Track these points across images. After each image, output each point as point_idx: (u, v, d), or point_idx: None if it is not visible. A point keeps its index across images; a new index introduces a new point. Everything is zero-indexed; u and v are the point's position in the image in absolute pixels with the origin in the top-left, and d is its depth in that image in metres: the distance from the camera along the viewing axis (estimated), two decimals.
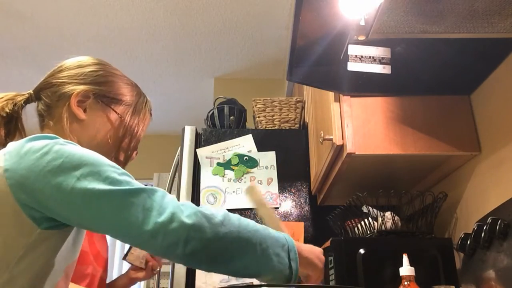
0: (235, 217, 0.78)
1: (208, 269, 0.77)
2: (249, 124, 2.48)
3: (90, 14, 2.82)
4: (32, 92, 0.98)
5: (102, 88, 0.97)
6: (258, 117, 2.32)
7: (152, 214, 0.71)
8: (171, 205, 0.73)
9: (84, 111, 0.95)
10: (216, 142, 2.19)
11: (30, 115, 0.98)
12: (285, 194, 2.09)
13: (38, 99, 0.97)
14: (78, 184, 0.72)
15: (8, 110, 0.92)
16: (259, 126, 2.31)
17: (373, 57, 1.30)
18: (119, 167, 0.79)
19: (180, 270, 1.96)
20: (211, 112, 2.40)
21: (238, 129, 2.30)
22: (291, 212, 2.06)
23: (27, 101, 0.97)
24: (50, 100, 0.95)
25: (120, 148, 0.99)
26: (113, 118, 0.98)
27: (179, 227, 0.70)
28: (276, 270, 0.79)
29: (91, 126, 0.95)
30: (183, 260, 0.74)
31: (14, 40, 2.99)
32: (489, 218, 1.23)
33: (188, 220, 0.71)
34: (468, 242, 1.30)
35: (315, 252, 0.90)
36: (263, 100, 2.33)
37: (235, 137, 2.20)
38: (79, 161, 0.75)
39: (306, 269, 0.88)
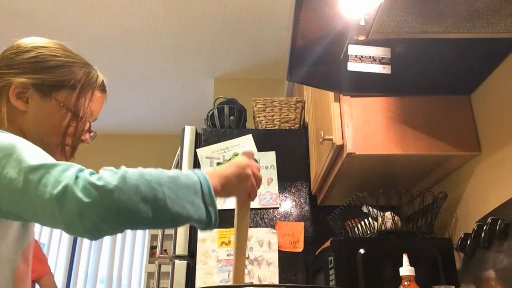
0: (134, 175, 0.71)
1: (122, 231, 0.73)
2: (249, 124, 2.48)
3: (90, 14, 2.82)
4: None
5: (41, 76, 0.93)
6: (258, 117, 2.32)
7: (46, 190, 0.68)
8: (67, 178, 0.69)
9: (27, 101, 0.92)
10: (216, 142, 2.19)
11: None
12: (285, 194, 2.09)
13: None
14: (3, 170, 0.71)
15: None
16: (259, 126, 2.31)
17: (373, 57, 1.30)
18: (39, 150, 0.77)
19: (180, 270, 1.96)
20: (211, 112, 2.40)
21: (238, 129, 2.30)
22: (291, 212, 2.06)
23: None
24: None
25: (67, 134, 0.95)
26: (56, 107, 0.94)
27: (72, 202, 0.67)
28: (194, 219, 0.77)
29: (34, 117, 0.92)
30: (91, 235, 0.70)
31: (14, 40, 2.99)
32: (489, 218, 1.23)
33: (81, 194, 0.67)
34: (468, 242, 1.30)
35: (238, 171, 0.88)
36: (263, 100, 2.33)
37: (235, 137, 2.20)
38: (1, 149, 0.74)
39: (231, 195, 0.87)
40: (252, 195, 0.95)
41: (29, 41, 0.99)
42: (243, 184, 0.90)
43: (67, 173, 0.70)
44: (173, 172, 0.77)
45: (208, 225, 0.80)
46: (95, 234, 0.70)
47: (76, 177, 0.69)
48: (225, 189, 0.86)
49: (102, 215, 0.67)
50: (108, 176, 0.70)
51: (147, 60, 3.31)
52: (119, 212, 0.68)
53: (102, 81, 1.04)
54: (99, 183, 0.68)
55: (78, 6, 2.75)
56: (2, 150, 0.74)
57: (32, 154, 0.74)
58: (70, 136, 0.96)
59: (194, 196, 0.77)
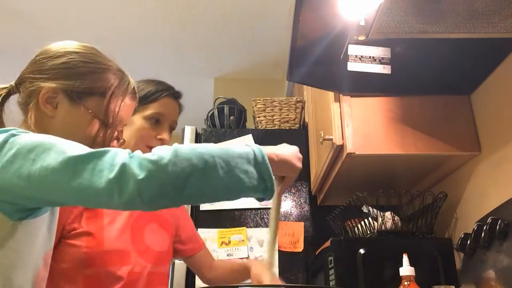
0: (187, 149, 0.74)
1: (179, 205, 0.76)
2: (249, 124, 2.48)
3: (90, 14, 2.82)
4: (13, 84, 0.94)
5: (71, 82, 0.93)
6: (258, 117, 2.32)
7: (103, 174, 0.70)
8: (121, 160, 0.71)
9: (56, 107, 0.91)
10: (216, 142, 2.18)
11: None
12: (285, 194, 2.09)
13: (19, 92, 0.94)
14: (34, 165, 0.73)
15: None
16: (259, 126, 2.31)
17: (373, 57, 1.30)
18: (77, 143, 0.78)
19: (180, 270, 1.96)
20: (211, 112, 2.40)
21: (238, 129, 2.30)
22: (291, 212, 2.06)
23: (8, 94, 0.94)
24: (24, 95, 0.93)
25: (96, 141, 0.95)
26: (85, 114, 0.93)
27: (130, 180, 0.69)
28: (249, 187, 0.77)
29: (61, 123, 0.92)
30: (149, 208, 0.73)
31: (14, 40, 2.99)
32: (489, 218, 1.23)
33: (137, 171, 0.69)
34: (468, 242, 1.30)
35: (290, 151, 0.90)
36: (263, 100, 2.33)
37: (235, 137, 2.20)
38: (32, 144, 0.75)
39: (282, 172, 0.87)
40: (293, 179, 0.96)
41: (60, 46, 0.99)
42: (296, 162, 0.90)
43: (120, 156, 0.72)
44: (224, 144, 0.78)
45: (264, 193, 0.80)
46: (154, 207, 0.72)
47: (131, 157, 0.72)
48: (280, 160, 0.86)
49: (159, 187, 0.70)
50: (161, 152, 0.72)
51: (147, 60, 3.31)
52: (175, 183, 0.70)
53: (133, 88, 1.04)
54: (153, 158, 0.71)
55: (78, 6, 2.75)
56: (41, 145, 0.75)
57: (74, 146, 0.76)
58: (99, 145, 0.95)
59: (247, 165, 0.77)
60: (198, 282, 1.91)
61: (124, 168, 0.70)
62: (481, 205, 1.42)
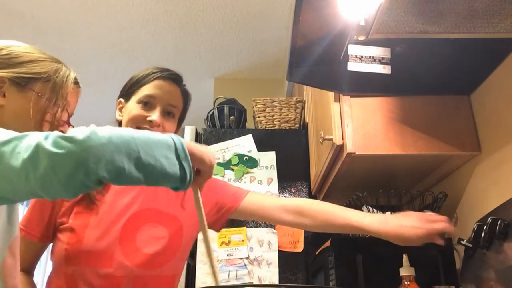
0: (105, 129, 0.72)
1: (97, 185, 0.72)
2: (249, 124, 2.48)
3: (90, 14, 2.82)
4: None
5: (16, 70, 0.96)
6: (258, 117, 2.32)
7: (20, 156, 0.68)
8: (36, 140, 0.69)
9: (4, 96, 0.94)
10: (216, 142, 2.19)
11: None
12: (285, 194, 2.09)
13: None
14: None
15: None
16: (259, 126, 2.31)
17: (373, 57, 1.30)
18: (10, 131, 0.77)
19: None
20: (211, 112, 2.40)
21: (238, 129, 2.30)
22: None
23: None
24: None
25: (44, 121, 0.97)
26: (32, 97, 0.96)
27: (43, 157, 0.67)
28: (168, 172, 0.76)
29: (12, 110, 0.94)
30: (67, 190, 0.69)
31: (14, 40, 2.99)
32: (489, 218, 1.23)
33: (51, 147, 0.67)
34: (483, 235, 1.24)
35: (205, 149, 0.88)
36: (263, 100, 2.33)
37: (235, 137, 2.20)
38: None
39: (199, 164, 0.85)
40: (209, 175, 0.92)
41: (1, 42, 1.02)
42: (211, 157, 0.89)
43: (37, 136, 0.70)
44: (145, 132, 0.78)
45: (182, 181, 0.79)
46: (72, 187, 0.69)
47: (46, 137, 0.69)
48: (197, 152, 0.84)
49: (76, 164, 0.67)
50: (79, 130, 0.70)
51: (147, 60, 3.31)
52: (93, 160, 0.68)
53: (75, 77, 1.07)
54: (70, 135, 0.69)
55: (78, 6, 2.75)
56: None
57: (3, 132, 0.74)
58: (48, 123, 0.97)
59: (167, 150, 0.77)
60: (198, 282, 1.91)
61: (38, 146, 0.68)
62: (481, 205, 1.42)
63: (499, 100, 1.37)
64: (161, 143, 0.77)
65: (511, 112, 1.31)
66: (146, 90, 1.25)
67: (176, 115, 1.31)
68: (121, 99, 1.30)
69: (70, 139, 0.68)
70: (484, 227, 1.23)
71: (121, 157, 0.70)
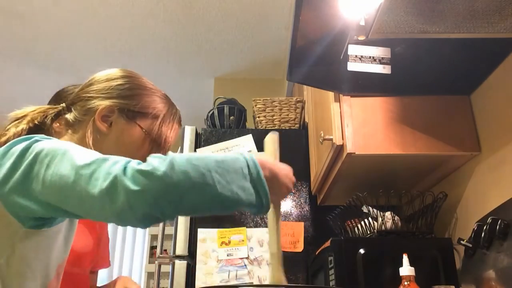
0: (182, 161, 0.71)
1: (174, 218, 0.75)
2: (249, 124, 2.48)
3: (90, 14, 2.82)
4: (64, 105, 0.99)
5: (127, 102, 0.98)
6: (258, 117, 2.32)
7: (98, 183, 0.69)
8: (116, 170, 0.69)
9: (110, 125, 0.96)
10: (216, 142, 2.19)
11: None
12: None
13: (70, 111, 0.99)
14: (48, 170, 0.73)
15: (37, 122, 0.94)
16: (259, 126, 2.31)
17: (373, 57, 1.30)
18: (92, 151, 0.78)
19: (180, 270, 1.96)
20: (211, 112, 2.40)
21: (238, 129, 2.30)
22: (291, 212, 2.06)
23: (59, 113, 0.99)
24: (78, 113, 0.97)
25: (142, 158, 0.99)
26: (138, 133, 0.98)
27: (121, 192, 0.67)
28: (245, 203, 0.75)
29: (114, 140, 0.96)
30: (142, 223, 0.70)
31: (14, 40, 2.99)
32: (489, 218, 1.23)
33: (130, 183, 0.67)
34: (483, 235, 1.25)
35: (285, 170, 0.87)
36: (263, 100, 2.33)
37: (235, 137, 2.20)
38: (49, 150, 0.76)
39: (274, 193, 0.84)
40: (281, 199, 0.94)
41: (115, 71, 1.03)
42: (287, 183, 0.88)
43: (117, 165, 0.70)
44: (220, 156, 0.76)
45: (260, 208, 0.78)
46: (147, 222, 0.70)
47: (125, 168, 0.69)
48: (272, 178, 0.82)
49: (152, 202, 0.68)
50: (156, 162, 0.70)
51: (147, 60, 3.31)
52: (169, 198, 0.68)
53: (179, 115, 1.09)
54: (147, 169, 0.68)
55: (78, 6, 2.75)
56: (56, 150, 0.75)
57: (85, 153, 0.76)
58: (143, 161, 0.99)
59: (243, 180, 0.75)
60: (198, 282, 1.91)
61: (116, 179, 0.68)
62: (481, 205, 1.42)
63: (499, 100, 1.37)
64: (237, 173, 0.75)
65: (511, 112, 1.31)
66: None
67: None
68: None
69: (148, 175, 0.68)
70: (484, 227, 1.23)
71: (197, 193, 0.70)
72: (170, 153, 0.73)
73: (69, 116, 0.97)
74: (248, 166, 0.77)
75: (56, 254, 0.85)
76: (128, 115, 0.97)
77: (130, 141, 0.97)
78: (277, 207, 0.95)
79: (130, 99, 0.98)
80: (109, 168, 0.70)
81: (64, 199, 0.73)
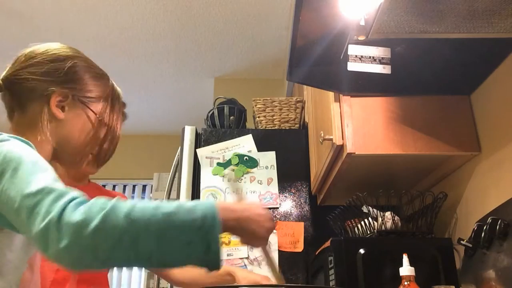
0: (121, 213, 0.67)
1: (103, 269, 0.74)
2: (249, 124, 2.48)
3: (90, 14, 2.82)
4: (0, 81, 0.93)
5: (79, 87, 0.95)
6: (258, 117, 2.32)
7: (36, 221, 0.67)
8: (54, 211, 0.67)
9: (62, 109, 0.93)
10: (216, 142, 2.19)
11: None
12: (285, 194, 2.09)
13: (8, 89, 0.93)
14: (4, 185, 0.72)
15: None
16: (259, 126, 2.31)
17: (373, 57, 1.30)
18: (45, 168, 0.76)
19: None
20: (211, 112, 2.40)
21: (238, 129, 2.30)
22: (291, 212, 2.06)
23: None
24: (21, 93, 0.92)
25: (102, 147, 0.99)
26: (92, 118, 0.96)
27: (52, 241, 0.66)
28: (188, 263, 0.71)
29: (69, 126, 0.93)
30: (77, 270, 0.71)
31: (14, 40, 2.99)
32: (489, 218, 1.23)
33: (59, 236, 0.65)
34: (483, 235, 1.25)
35: (255, 212, 0.80)
36: (263, 100, 2.33)
37: (235, 137, 2.20)
38: (3, 158, 0.75)
39: (243, 238, 0.81)
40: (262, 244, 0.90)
41: (58, 49, 0.98)
42: (262, 225, 0.82)
43: (59, 203, 0.68)
44: (173, 206, 0.71)
45: (208, 265, 0.72)
46: (78, 269, 0.70)
47: (63, 210, 0.67)
48: (242, 227, 0.78)
49: (77, 257, 0.67)
50: (94, 211, 0.67)
51: (147, 60, 3.31)
52: (94, 255, 0.67)
53: (121, 96, 1.08)
54: (80, 220, 0.66)
55: (78, 6, 2.75)
56: (8, 162, 0.74)
57: (35, 175, 0.73)
58: (104, 151, 1.00)
59: (191, 234, 0.69)
60: None
61: (49, 224, 0.66)
62: (481, 205, 1.42)
63: (499, 100, 1.37)
64: (185, 227, 0.69)
65: (511, 112, 1.31)
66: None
67: None
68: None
69: (77, 229, 0.65)
70: (484, 227, 1.23)
71: (128, 253, 0.67)
72: (116, 199, 0.70)
73: (7, 94, 0.93)
74: (205, 218, 0.71)
75: (25, 249, 0.85)
76: (82, 100, 0.95)
77: (83, 126, 0.95)
78: (263, 248, 0.94)
79: (81, 84, 0.95)
80: (50, 205, 0.68)
81: (9, 217, 0.73)
